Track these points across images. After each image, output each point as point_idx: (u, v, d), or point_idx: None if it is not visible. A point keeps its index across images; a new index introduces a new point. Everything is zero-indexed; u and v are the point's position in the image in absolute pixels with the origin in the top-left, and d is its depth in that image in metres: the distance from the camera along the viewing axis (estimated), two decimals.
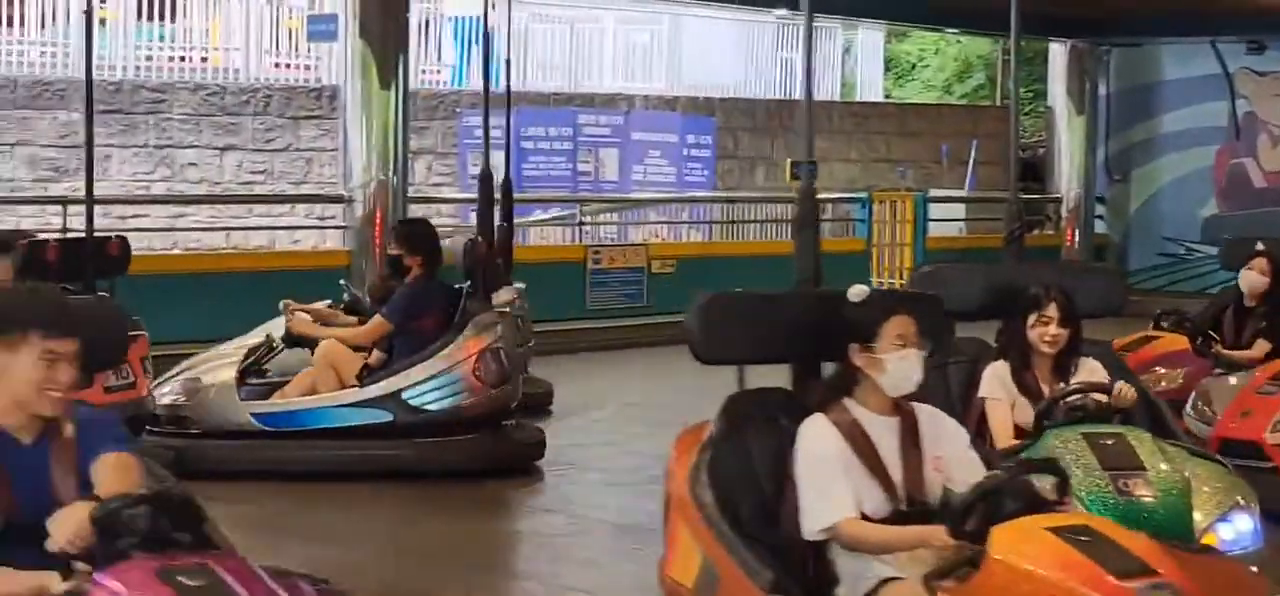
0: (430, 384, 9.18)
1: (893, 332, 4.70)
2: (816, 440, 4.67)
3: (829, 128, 25.35)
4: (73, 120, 18.63)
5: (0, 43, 19.45)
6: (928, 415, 4.81)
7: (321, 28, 17.06)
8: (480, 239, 9.69)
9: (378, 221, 13.68)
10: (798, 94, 26.06)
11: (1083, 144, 22.46)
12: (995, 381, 6.29)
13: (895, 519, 4.59)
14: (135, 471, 4.12)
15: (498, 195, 12.24)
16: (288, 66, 21.31)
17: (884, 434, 4.69)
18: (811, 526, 4.59)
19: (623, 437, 10.67)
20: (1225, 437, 8.52)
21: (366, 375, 9.11)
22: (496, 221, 12.13)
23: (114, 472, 4.05)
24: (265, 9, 21.21)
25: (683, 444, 5.01)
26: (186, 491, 4.02)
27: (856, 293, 4.85)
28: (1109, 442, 5.80)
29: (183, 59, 20.71)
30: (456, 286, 9.61)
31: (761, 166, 24.34)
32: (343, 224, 14.43)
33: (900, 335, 4.70)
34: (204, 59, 20.91)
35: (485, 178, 11.37)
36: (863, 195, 19.40)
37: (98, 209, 13.48)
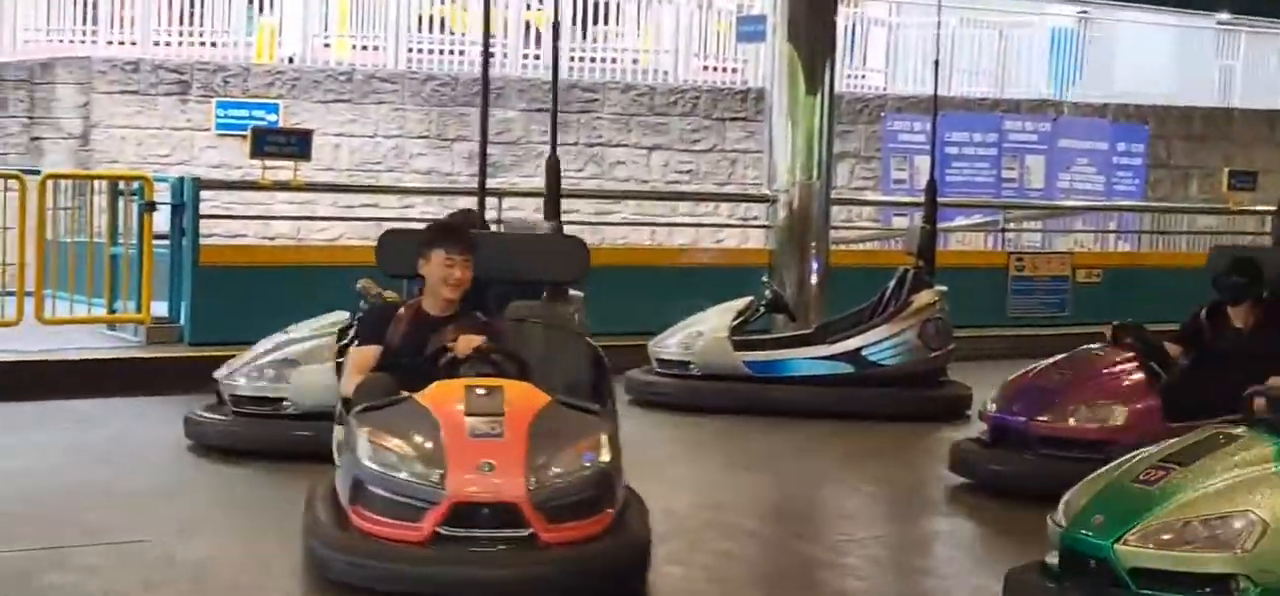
0: (887, 343, 11.15)
1: None
2: None
3: (1271, 137, 24.34)
4: (508, 118, 19.32)
5: (441, 44, 20.31)
6: None
7: (750, 29, 17.26)
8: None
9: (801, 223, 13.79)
10: (1238, 102, 25.09)
11: None
12: None
13: None
14: None
15: (920, 199, 12.23)
16: (715, 69, 21.62)
17: None
18: None
19: None
20: None
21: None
22: (920, 224, 12.12)
23: None
24: (696, 12, 21.57)
25: None
26: None
27: None
28: None
29: (614, 61, 21.23)
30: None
31: (1196, 176, 23.51)
32: (766, 224, 14.55)
33: None
34: (635, 61, 21.40)
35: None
36: None
37: (531, 202, 14.00)
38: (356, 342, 7.12)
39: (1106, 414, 8.51)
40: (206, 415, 9.19)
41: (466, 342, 6.62)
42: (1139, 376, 8.69)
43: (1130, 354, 8.88)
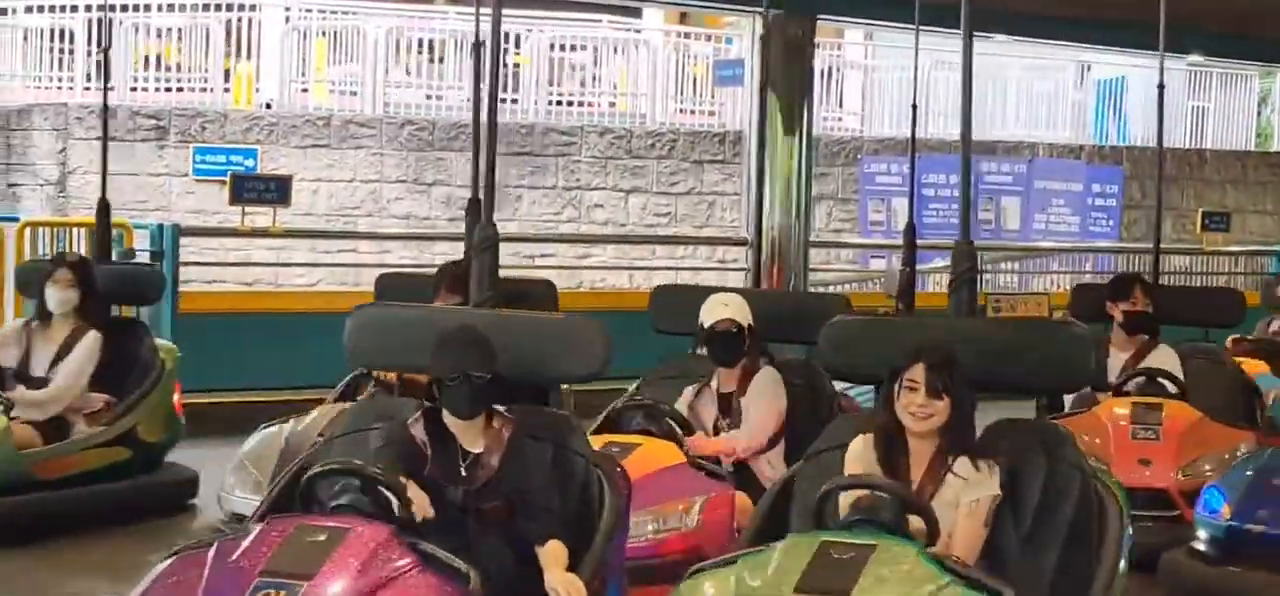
0: None
1: None
2: None
3: (1243, 179, 24.48)
4: None
5: (421, 88, 20.36)
6: None
7: (728, 72, 17.30)
8: None
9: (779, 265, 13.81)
10: (1210, 143, 25.25)
11: None
12: None
13: None
14: None
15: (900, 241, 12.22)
16: (693, 112, 21.69)
17: None
18: None
19: None
20: None
21: None
22: (899, 266, 12.12)
23: None
24: (672, 56, 21.64)
25: None
26: None
27: None
28: None
29: (592, 104, 21.29)
30: None
31: (1169, 216, 23.62)
32: (744, 267, 14.58)
33: None
34: (612, 104, 21.46)
35: None
36: (1278, 249, 18.64)
37: (507, 247, 14.01)
38: None
39: None
40: None
41: None
42: None
43: None
